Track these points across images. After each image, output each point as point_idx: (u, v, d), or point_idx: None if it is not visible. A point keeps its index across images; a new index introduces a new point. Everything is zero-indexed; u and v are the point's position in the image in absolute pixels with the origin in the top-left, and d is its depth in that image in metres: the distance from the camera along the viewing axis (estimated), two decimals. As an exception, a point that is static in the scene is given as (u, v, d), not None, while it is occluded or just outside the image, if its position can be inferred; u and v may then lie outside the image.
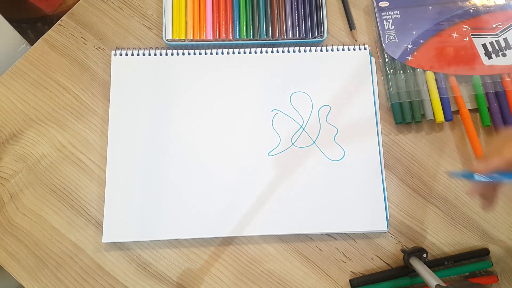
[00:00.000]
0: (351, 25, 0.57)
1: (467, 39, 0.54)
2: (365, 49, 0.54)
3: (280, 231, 0.49)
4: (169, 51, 0.53)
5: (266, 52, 0.54)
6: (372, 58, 0.54)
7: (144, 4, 0.57)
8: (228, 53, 0.54)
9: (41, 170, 0.51)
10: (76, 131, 0.52)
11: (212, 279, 0.49)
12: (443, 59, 0.54)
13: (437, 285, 0.41)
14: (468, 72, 0.53)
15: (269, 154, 0.51)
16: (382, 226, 0.49)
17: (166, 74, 0.53)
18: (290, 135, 0.52)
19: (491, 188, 0.39)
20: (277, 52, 0.54)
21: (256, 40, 0.55)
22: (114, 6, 0.57)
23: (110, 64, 0.53)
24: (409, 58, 0.54)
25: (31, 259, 0.49)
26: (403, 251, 0.49)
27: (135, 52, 0.53)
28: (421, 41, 0.54)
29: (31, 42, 0.59)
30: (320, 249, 0.50)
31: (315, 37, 0.55)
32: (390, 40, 0.55)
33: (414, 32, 0.55)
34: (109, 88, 0.52)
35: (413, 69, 0.54)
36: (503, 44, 0.54)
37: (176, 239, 0.50)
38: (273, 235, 0.50)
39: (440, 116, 0.52)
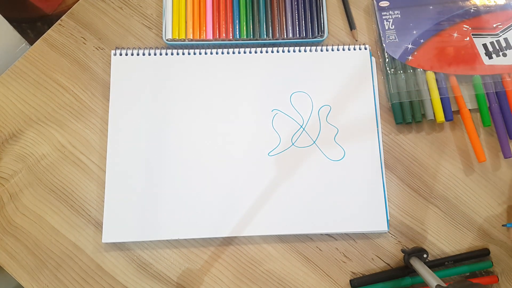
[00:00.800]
0: (351, 25, 0.56)
1: (468, 39, 0.54)
2: (365, 49, 0.54)
3: (280, 231, 0.49)
4: (169, 51, 0.53)
5: (266, 52, 0.54)
6: (373, 58, 0.54)
7: (144, 4, 0.57)
8: (228, 53, 0.54)
9: (41, 170, 0.51)
10: (76, 131, 0.52)
11: (212, 279, 0.49)
12: (444, 59, 0.54)
13: (438, 285, 0.41)
14: (469, 72, 0.53)
15: (269, 154, 0.51)
16: (383, 226, 0.49)
17: (166, 74, 0.53)
18: (290, 135, 0.52)
19: None
20: (277, 52, 0.54)
21: (256, 40, 0.55)
22: (114, 6, 0.57)
23: (110, 64, 0.53)
24: (410, 58, 0.54)
25: (31, 259, 0.49)
26: (403, 251, 0.49)
27: (135, 52, 0.53)
28: (422, 41, 0.54)
29: (31, 42, 0.59)
30: (320, 249, 0.50)
31: (315, 37, 0.55)
32: (391, 40, 0.55)
33: (414, 32, 0.55)
34: (109, 88, 0.52)
35: (414, 69, 0.54)
36: (503, 44, 0.54)
37: (176, 239, 0.50)
38: (273, 235, 0.50)
39: (440, 116, 0.52)
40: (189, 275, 0.49)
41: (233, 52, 0.54)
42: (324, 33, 0.55)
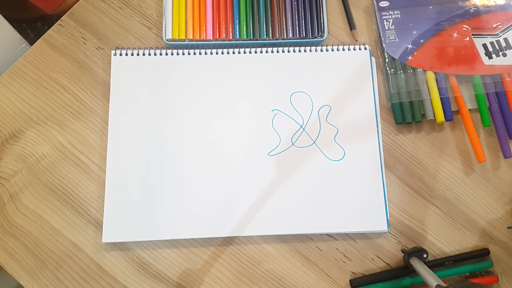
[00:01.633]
0: (351, 25, 0.56)
1: (468, 39, 0.54)
2: (365, 49, 0.54)
3: (280, 231, 0.49)
4: (169, 51, 0.53)
5: (266, 52, 0.54)
6: (372, 58, 0.54)
7: (144, 4, 0.57)
8: (228, 53, 0.54)
9: (41, 170, 0.51)
10: (76, 131, 0.52)
11: (212, 279, 0.49)
12: (444, 59, 0.54)
13: (438, 285, 0.41)
14: (469, 72, 0.53)
15: (269, 154, 0.51)
16: (382, 226, 0.49)
17: (166, 74, 0.53)
18: (290, 135, 0.52)
19: None
20: (277, 52, 0.54)
21: (256, 40, 0.55)
22: (114, 6, 0.57)
23: (110, 64, 0.53)
24: (410, 58, 0.54)
25: (31, 259, 0.49)
26: (403, 251, 0.49)
27: (135, 52, 0.53)
28: (422, 41, 0.54)
29: (31, 42, 0.59)
30: (320, 249, 0.50)
31: (315, 37, 0.55)
32: (390, 40, 0.55)
33: (414, 32, 0.55)
34: (109, 88, 0.52)
35: (414, 69, 0.54)
36: (503, 44, 0.54)
37: (176, 239, 0.50)
38: (273, 235, 0.50)
39: (440, 116, 0.52)
40: (189, 275, 0.49)
41: (233, 52, 0.54)
42: (324, 33, 0.55)
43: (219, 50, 0.54)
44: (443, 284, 0.41)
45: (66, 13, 0.56)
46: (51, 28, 0.55)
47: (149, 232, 0.48)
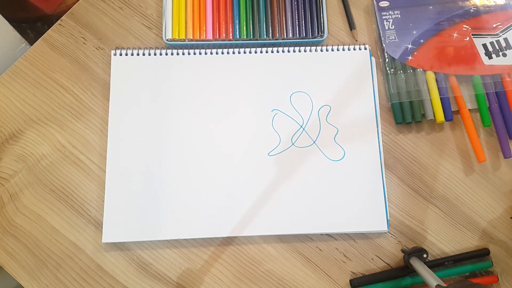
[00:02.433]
0: (351, 25, 0.56)
1: (468, 39, 0.54)
2: (365, 49, 0.54)
3: (280, 231, 0.49)
4: (169, 51, 0.53)
5: (266, 52, 0.54)
6: (372, 58, 0.54)
7: (144, 4, 0.57)
8: (228, 53, 0.54)
9: (41, 170, 0.51)
10: (76, 131, 0.52)
11: (212, 279, 0.49)
12: (444, 59, 0.54)
13: (438, 285, 0.41)
14: (469, 72, 0.53)
15: (269, 154, 0.51)
16: (382, 226, 0.49)
17: (166, 74, 0.53)
18: (290, 135, 0.52)
19: None
20: (277, 52, 0.54)
21: (256, 40, 0.55)
22: (114, 6, 0.57)
23: (110, 64, 0.53)
24: (409, 58, 0.54)
25: (31, 259, 0.49)
26: (403, 251, 0.49)
27: (135, 52, 0.53)
28: (421, 41, 0.54)
29: (31, 42, 0.59)
30: (320, 249, 0.50)
31: (315, 37, 0.55)
32: (390, 40, 0.55)
33: (414, 32, 0.55)
34: (109, 88, 0.52)
35: (413, 69, 0.54)
36: (503, 44, 0.54)
37: (176, 239, 0.50)
38: (273, 235, 0.50)
39: (440, 116, 0.52)
40: (189, 275, 0.49)
41: (233, 52, 0.54)
42: (324, 33, 0.55)
43: (219, 50, 0.54)
44: (443, 284, 0.41)
45: (66, 13, 0.56)
46: (51, 28, 0.55)
47: (149, 232, 0.48)
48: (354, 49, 0.54)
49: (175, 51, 0.53)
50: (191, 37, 0.54)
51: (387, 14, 0.56)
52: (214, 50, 0.54)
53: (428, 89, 0.53)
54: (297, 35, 0.55)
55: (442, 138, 0.54)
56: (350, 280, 0.49)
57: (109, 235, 0.48)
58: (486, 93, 0.53)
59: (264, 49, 0.54)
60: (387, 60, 0.54)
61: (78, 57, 0.55)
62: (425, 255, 0.48)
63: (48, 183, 0.51)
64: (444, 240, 0.51)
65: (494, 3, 0.56)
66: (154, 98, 0.52)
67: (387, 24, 0.55)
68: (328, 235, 0.51)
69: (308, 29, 0.55)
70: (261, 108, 0.52)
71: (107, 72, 0.54)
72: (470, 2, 0.56)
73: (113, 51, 0.53)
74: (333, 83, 0.53)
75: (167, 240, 0.50)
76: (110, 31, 0.56)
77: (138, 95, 0.52)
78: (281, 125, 0.52)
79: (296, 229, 0.49)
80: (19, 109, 0.53)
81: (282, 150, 0.51)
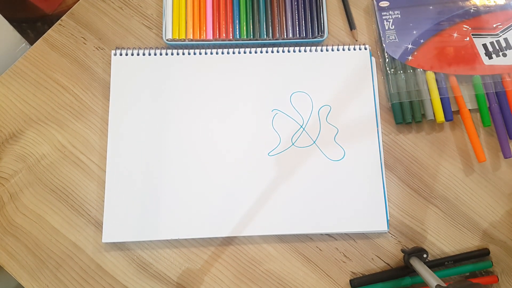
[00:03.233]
0: (351, 25, 0.56)
1: (468, 39, 0.54)
2: (365, 49, 0.54)
3: (280, 231, 0.49)
4: (169, 51, 0.53)
5: (266, 52, 0.54)
6: (373, 58, 0.54)
7: (144, 4, 0.57)
8: (228, 53, 0.54)
9: (41, 170, 0.51)
10: (76, 131, 0.52)
11: (212, 279, 0.49)
12: (444, 59, 0.54)
13: (438, 285, 0.41)
14: (469, 72, 0.53)
15: (269, 154, 0.51)
16: (383, 226, 0.49)
17: (166, 74, 0.53)
18: (290, 135, 0.52)
19: None
20: (277, 52, 0.54)
21: (256, 40, 0.55)
22: (114, 6, 0.57)
23: (110, 64, 0.53)
24: (410, 58, 0.54)
25: (31, 259, 0.49)
26: (403, 251, 0.49)
27: (135, 52, 0.53)
28: (422, 41, 0.54)
29: (31, 41, 0.59)
30: (320, 249, 0.50)
31: (315, 37, 0.55)
32: (391, 40, 0.55)
33: (414, 32, 0.55)
34: (109, 88, 0.52)
35: (414, 69, 0.54)
36: (503, 44, 0.54)
37: (176, 239, 0.50)
38: (273, 235, 0.50)
39: (440, 116, 0.52)
40: (189, 275, 0.49)
41: (233, 52, 0.54)
42: (324, 33, 0.55)
43: (219, 50, 0.54)
44: (443, 284, 0.41)
45: (66, 13, 0.56)
46: (51, 28, 0.55)
47: (149, 232, 0.48)
48: (354, 49, 0.54)
49: (175, 51, 0.53)
50: (191, 37, 0.54)
51: (387, 14, 0.56)
52: (214, 50, 0.54)
53: (428, 89, 0.53)
54: (297, 35, 0.55)
55: (442, 138, 0.54)
56: (350, 280, 0.49)
57: (109, 235, 0.48)
58: (486, 93, 0.53)
59: (264, 49, 0.54)
60: (387, 60, 0.54)
61: (78, 57, 0.55)
62: (425, 255, 0.48)
63: (48, 183, 0.51)
64: (444, 240, 0.51)
65: (494, 3, 0.56)
66: (154, 98, 0.52)
67: (387, 24, 0.55)
68: (328, 235, 0.51)
69: (308, 29, 0.55)
70: (261, 108, 0.52)
71: (107, 72, 0.54)
72: (470, 2, 0.56)
73: (113, 51, 0.53)
74: (333, 83, 0.53)
75: (167, 240, 0.50)
76: (110, 31, 0.56)
77: (138, 95, 0.52)
78: (281, 125, 0.52)
79: (296, 229, 0.49)
80: (19, 109, 0.53)
81: (282, 150, 0.51)
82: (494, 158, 0.53)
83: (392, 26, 0.55)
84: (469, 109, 0.53)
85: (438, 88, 0.53)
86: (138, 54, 0.53)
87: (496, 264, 0.50)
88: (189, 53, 0.53)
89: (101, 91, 0.54)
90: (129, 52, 0.53)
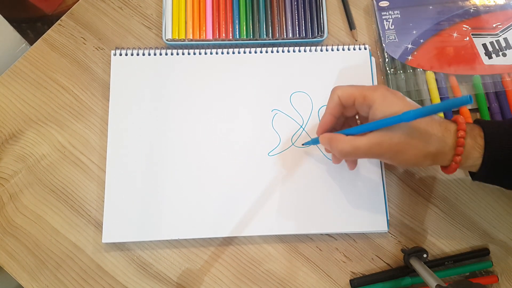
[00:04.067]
0: (351, 25, 0.56)
1: (467, 39, 0.54)
2: (365, 49, 0.54)
3: (280, 231, 0.49)
4: (169, 51, 0.53)
5: (266, 52, 0.54)
6: (372, 57, 0.54)
7: (144, 4, 0.57)
8: (228, 53, 0.54)
9: (40, 170, 0.51)
10: (75, 131, 0.52)
11: (212, 279, 0.49)
12: (443, 59, 0.54)
13: (438, 285, 0.41)
14: (469, 72, 0.53)
15: (269, 154, 0.51)
16: (382, 226, 0.49)
17: (166, 74, 0.53)
18: (290, 135, 0.52)
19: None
20: (277, 52, 0.54)
21: (256, 40, 0.55)
22: (114, 6, 0.57)
23: (110, 64, 0.53)
24: (409, 58, 0.54)
25: (31, 259, 0.49)
26: (403, 251, 0.49)
27: (135, 52, 0.53)
28: (421, 40, 0.54)
29: (31, 42, 0.59)
30: (320, 249, 0.50)
31: (315, 37, 0.55)
32: (390, 39, 0.55)
33: (414, 32, 0.55)
34: (109, 88, 0.52)
35: (413, 69, 0.54)
36: (503, 44, 0.54)
37: (176, 239, 0.50)
38: (273, 235, 0.50)
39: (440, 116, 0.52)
40: (189, 275, 0.49)
41: (233, 52, 0.54)
42: (324, 33, 0.55)
43: (219, 50, 0.54)
44: (443, 284, 0.41)
45: (66, 13, 0.56)
46: (51, 28, 0.55)
47: (149, 232, 0.48)
48: (354, 49, 0.54)
49: (175, 51, 0.53)
50: (191, 37, 0.54)
51: (387, 14, 0.56)
52: (214, 50, 0.54)
53: (428, 89, 0.53)
54: (297, 35, 0.55)
55: (442, 138, 0.53)
56: (350, 280, 0.49)
57: (109, 235, 0.48)
58: (486, 93, 0.53)
59: (264, 49, 0.54)
60: (387, 60, 0.54)
61: (78, 57, 0.55)
62: (425, 255, 0.48)
63: (48, 183, 0.51)
64: (444, 240, 0.51)
65: (494, 3, 0.56)
66: (154, 98, 0.52)
67: (387, 24, 0.55)
68: (328, 235, 0.51)
69: (308, 29, 0.55)
70: (261, 108, 0.52)
71: (107, 72, 0.54)
72: (470, 2, 0.56)
73: (113, 51, 0.53)
74: (333, 83, 0.53)
75: (167, 240, 0.49)
76: (110, 31, 0.56)
77: (138, 95, 0.52)
78: (281, 125, 0.52)
79: (296, 229, 0.49)
80: (19, 109, 0.53)
81: (282, 150, 0.51)
82: (494, 158, 0.53)
83: (392, 26, 0.55)
84: (469, 109, 0.53)
85: (438, 88, 0.53)
86: (138, 54, 0.53)
87: (496, 264, 0.50)
88: (189, 53, 0.53)
89: (101, 91, 0.54)
90: (129, 52, 0.53)
